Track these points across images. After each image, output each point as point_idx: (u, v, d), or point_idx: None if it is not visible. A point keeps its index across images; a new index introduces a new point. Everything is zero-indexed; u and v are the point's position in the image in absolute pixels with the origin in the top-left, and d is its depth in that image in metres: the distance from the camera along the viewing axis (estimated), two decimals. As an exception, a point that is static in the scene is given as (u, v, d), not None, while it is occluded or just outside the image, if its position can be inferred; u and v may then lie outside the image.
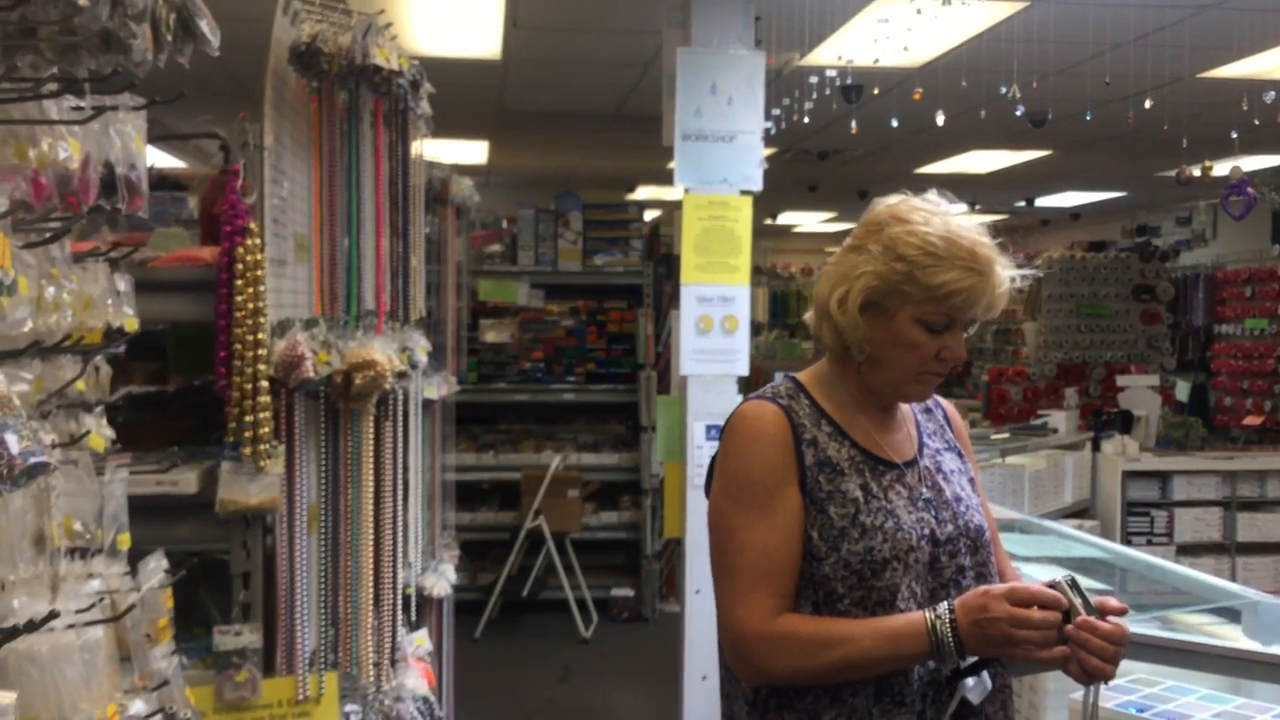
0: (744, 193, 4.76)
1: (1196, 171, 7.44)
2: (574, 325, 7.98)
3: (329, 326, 2.54)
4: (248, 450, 2.33)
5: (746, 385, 5.01)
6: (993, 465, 5.96)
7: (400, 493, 2.84)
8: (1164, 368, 10.00)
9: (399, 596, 2.80)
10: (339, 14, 2.55)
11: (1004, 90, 4.47)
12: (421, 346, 3.24)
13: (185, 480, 2.34)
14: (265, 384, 2.36)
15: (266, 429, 2.36)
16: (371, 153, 2.65)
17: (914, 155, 9.95)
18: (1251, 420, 10.47)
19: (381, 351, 2.47)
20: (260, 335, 2.35)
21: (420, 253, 3.15)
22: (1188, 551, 6.97)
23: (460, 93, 7.36)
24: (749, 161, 4.70)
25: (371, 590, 2.57)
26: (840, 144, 9.23)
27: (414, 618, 3.38)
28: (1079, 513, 6.85)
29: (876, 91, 5.51)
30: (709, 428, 4.76)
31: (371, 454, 2.56)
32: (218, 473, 2.34)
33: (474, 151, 9.84)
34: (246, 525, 2.41)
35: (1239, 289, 11.10)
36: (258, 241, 2.36)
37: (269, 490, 2.35)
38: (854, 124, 5.71)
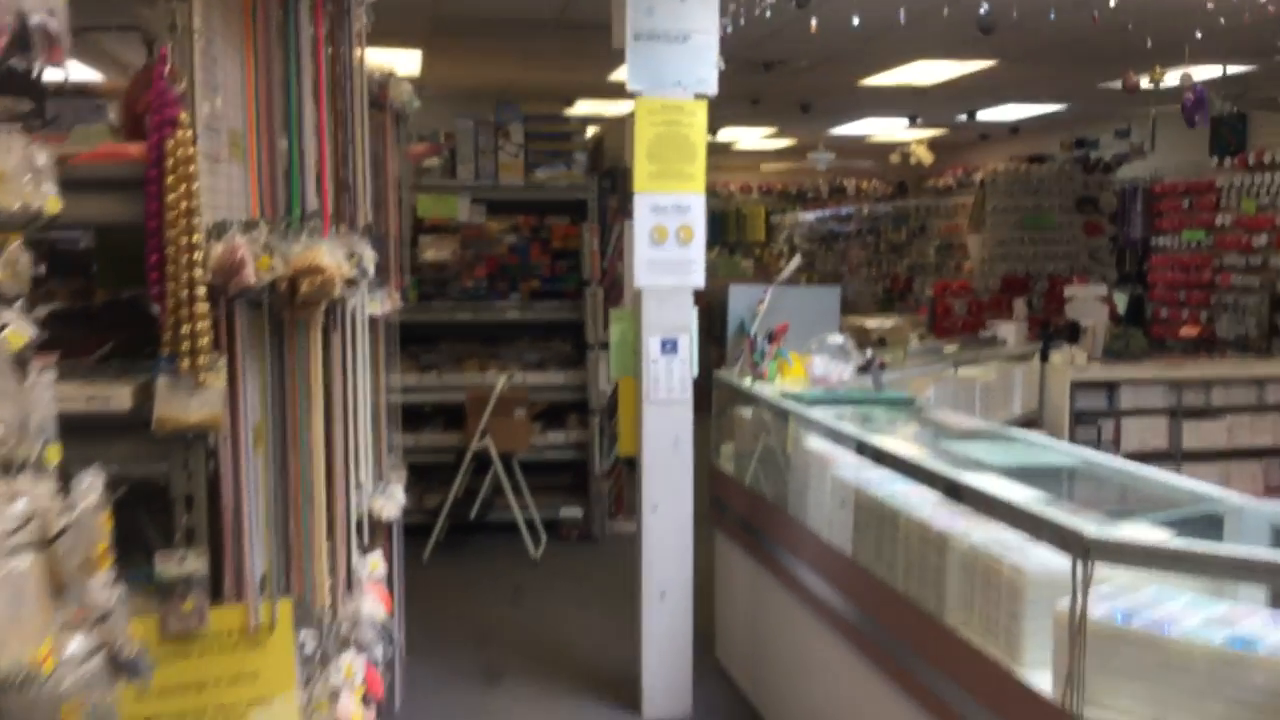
0: (699, 96, 4.57)
1: (1145, 80, 7.36)
2: (517, 241, 7.77)
3: (271, 230, 2.34)
4: (186, 363, 2.15)
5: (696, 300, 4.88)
6: (944, 377, 5.90)
7: (350, 411, 2.67)
8: (1106, 279, 10.03)
9: (352, 518, 2.64)
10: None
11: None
12: (369, 255, 3.05)
13: (118, 395, 2.15)
14: (202, 290, 2.17)
15: (205, 340, 2.17)
16: (311, 47, 2.43)
17: (859, 67, 9.77)
18: (1188, 331, 10.58)
19: (329, 255, 2.28)
20: (195, 237, 2.15)
21: (364, 157, 2.95)
22: (1134, 459, 6.99)
23: (392, -3, 7.03)
24: (704, 63, 4.52)
25: (324, 512, 2.41)
26: (786, 53, 9.02)
27: (366, 541, 3.23)
28: (1027, 423, 6.85)
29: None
30: (664, 342, 4.63)
31: (319, 368, 2.38)
32: (153, 388, 2.15)
33: (407, 61, 9.48)
34: (187, 445, 2.23)
35: (1177, 201, 11.15)
36: (189, 134, 2.15)
37: (210, 406, 2.17)
38: (813, 22, 5.51)
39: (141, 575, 2.25)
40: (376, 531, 4.54)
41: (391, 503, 4.48)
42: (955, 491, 2.99)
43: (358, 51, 2.74)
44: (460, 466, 7.18)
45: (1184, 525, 2.65)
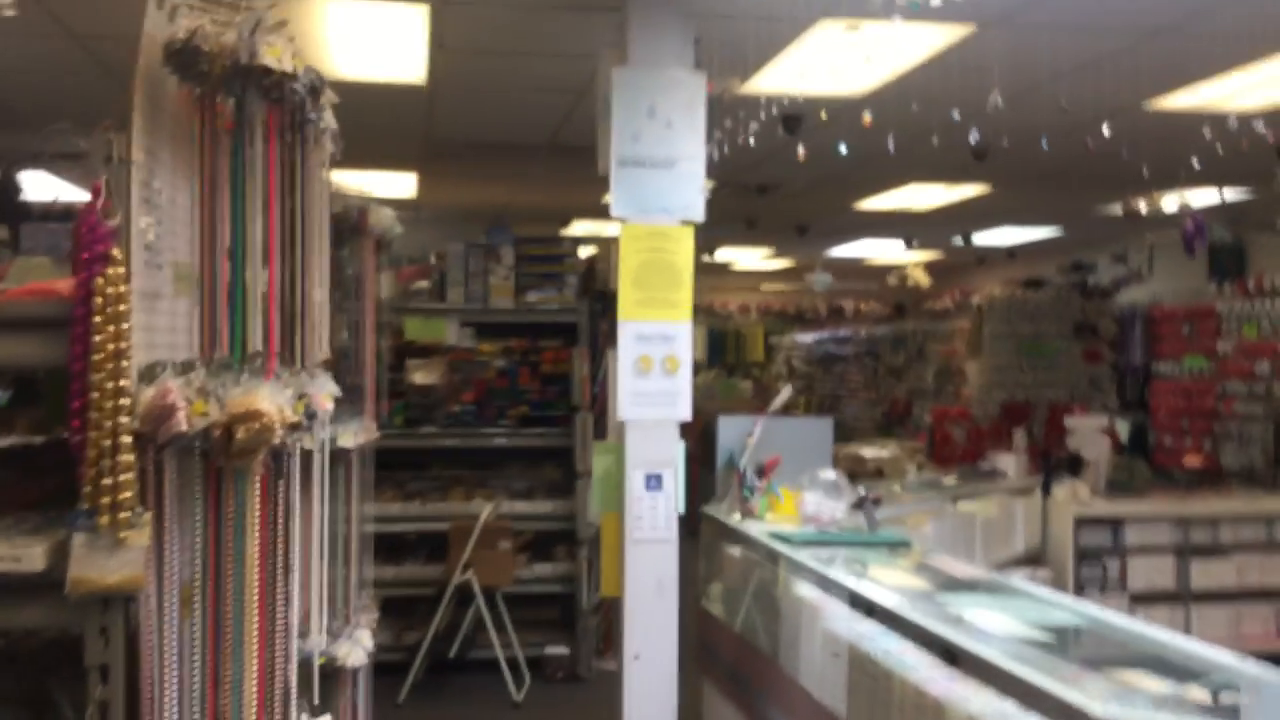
0: (685, 223, 4.46)
1: (1143, 207, 7.30)
2: (506, 365, 7.61)
3: (210, 372, 2.16)
4: (105, 519, 1.96)
5: (687, 431, 4.70)
6: (943, 513, 5.69)
7: (296, 561, 2.46)
8: (1107, 407, 9.85)
9: (293, 682, 2.41)
10: (225, 8, 2.20)
11: (955, 116, 4.24)
12: (326, 393, 2.87)
13: (29, 556, 1.96)
14: (128, 439, 1.99)
15: (128, 493, 1.98)
16: (263, 170, 2.29)
17: (853, 190, 9.76)
18: (1192, 460, 10.35)
19: (270, 400, 2.10)
20: (123, 381, 1.98)
21: (323, 286, 2.79)
22: (1142, 600, 6.75)
23: (386, 120, 7.01)
24: (690, 189, 4.41)
25: (257, 681, 2.19)
26: (779, 177, 9.01)
27: (316, 700, 2.99)
28: (1030, 561, 6.61)
29: (824, 116, 5.26)
30: (649, 477, 4.43)
31: (256, 520, 2.18)
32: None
33: (402, 184, 9.47)
34: (105, 607, 2.02)
35: (1176, 326, 11.03)
36: (121, 271, 2.00)
37: (130, 567, 1.97)
38: (800, 149, 5.44)
39: (48, 756, 2.03)
40: (339, 680, 4.29)
41: (357, 649, 4.22)
42: (953, 656, 2.77)
43: (319, 179, 2.61)
44: (441, 601, 6.91)
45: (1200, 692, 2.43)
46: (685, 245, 4.48)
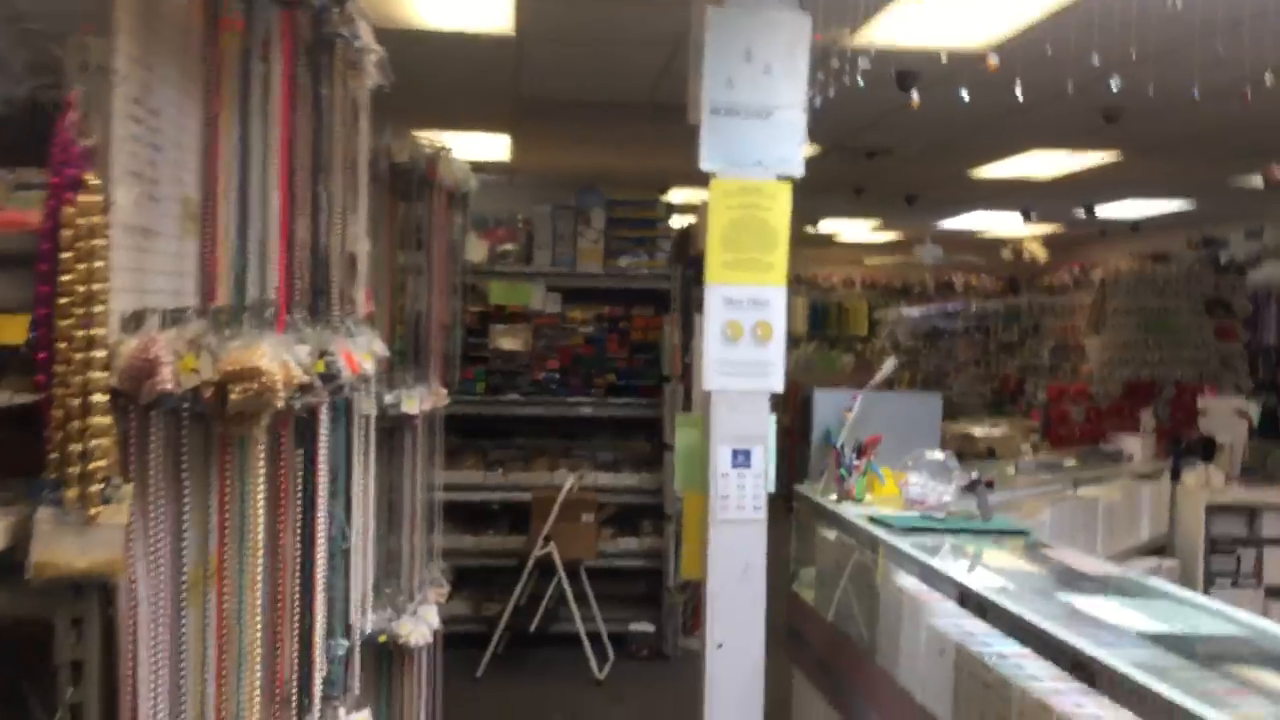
0: (782, 178, 4.05)
1: (1287, 172, 6.65)
2: (594, 333, 7.29)
3: (212, 323, 1.86)
4: (73, 491, 1.66)
5: (781, 403, 4.31)
6: (1063, 499, 5.21)
7: (323, 542, 2.16)
8: (1239, 388, 9.16)
9: (315, 680, 2.11)
10: (230, -104, 1.88)
11: (1095, 61, 3.75)
12: (368, 352, 2.56)
13: (-11, 532, 1.67)
14: (102, 398, 1.69)
15: (102, 462, 1.68)
16: (278, 91, 1.97)
17: (969, 156, 9.18)
18: (1330, 446, 9.60)
19: (273, 356, 1.79)
20: (96, 330, 1.69)
21: (360, 230, 2.48)
22: (1278, 595, 6.20)
23: (474, 75, 6.70)
24: (788, 141, 4.00)
25: (260, 681, 1.89)
26: (889, 142, 8.50)
27: (355, 688, 2.69)
28: (1155, 550, 6.08)
29: (944, 61, 4.79)
30: (736, 453, 4.06)
31: (262, 496, 1.87)
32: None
33: (495, 147, 9.18)
34: (77, 595, 1.73)
35: (1316, 305, 10.24)
36: (96, 200, 1.69)
37: (106, 548, 1.68)
38: (915, 96, 4.98)
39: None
40: (400, 661, 4.02)
41: (421, 626, 3.97)
42: (1083, 667, 2.36)
43: (353, 106, 2.29)
44: (522, 573, 6.65)
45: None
46: (781, 203, 4.07)
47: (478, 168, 4.58)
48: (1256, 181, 8.83)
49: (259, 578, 1.88)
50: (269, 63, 2.00)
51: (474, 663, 6.43)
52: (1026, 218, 12.80)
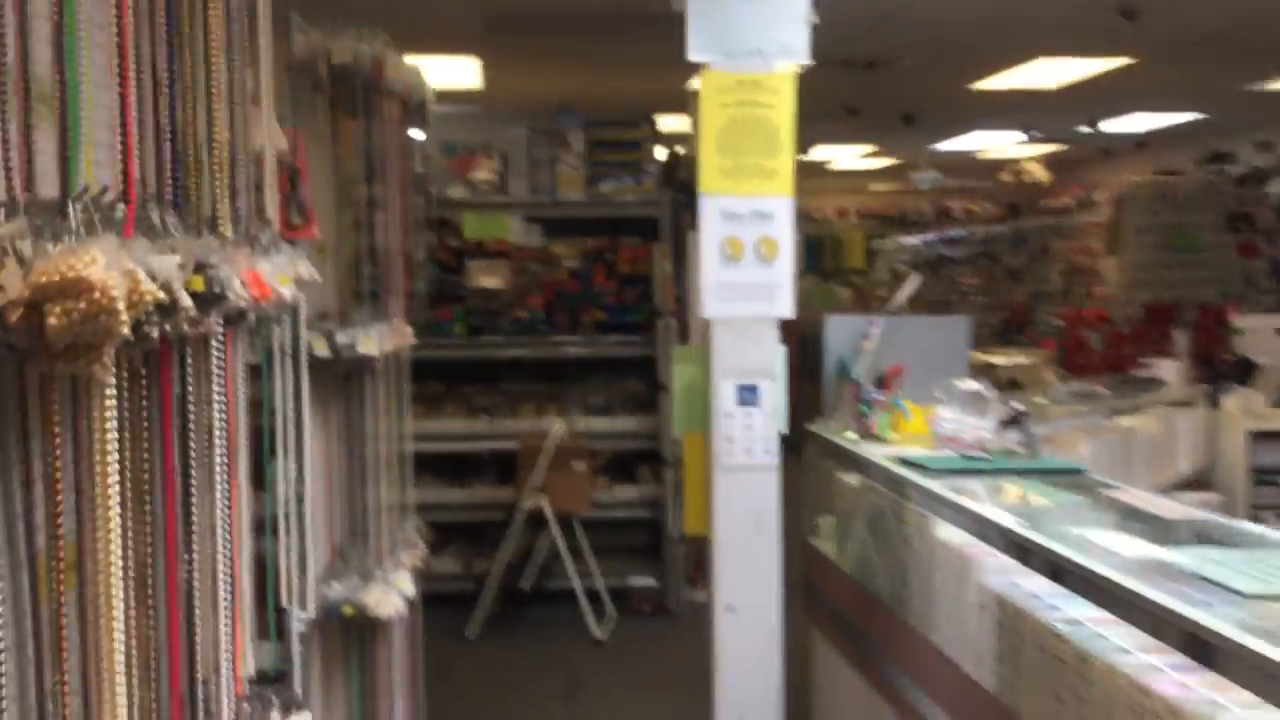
0: (784, 68, 3.51)
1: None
2: (579, 266, 6.78)
3: (28, 221, 1.33)
4: None
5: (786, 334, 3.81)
6: (1102, 430, 4.72)
7: (219, 527, 1.65)
8: (1266, 306, 8.68)
9: (220, 677, 1.62)
10: None
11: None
12: (288, 274, 2.04)
13: None
14: None
15: None
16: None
17: (971, 66, 8.62)
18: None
19: (111, 265, 1.26)
20: None
21: (269, 127, 1.95)
22: (1325, 527, 5.75)
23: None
24: (789, 22, 3.45)
25: (124, 695, 1.39)
26: (887, 52, 7.93)
27: (297, 688, 2.21)
28: (1195, 484, 5.61)
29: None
30: (741, 389, 3.55)
31: (106, 452, 1.36)
32: None
33: (466, 72, 8.57)
34: None
35: (1340, 217, 9.73)
36: None
37: None
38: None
39: None
40: (369, 635, 3.57)
41: (390, 595, 3.50)
42: (1202, 648, 1.87)
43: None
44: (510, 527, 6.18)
45: None
46: (785, 98, 3.54)
47: (448, 96, 4.05)
48: (1276, 85, 8.31)
49: (112, 554, 1.37)
50: None
51: (465, 622, 5.99)
52: (1028, 135, 12.28)
